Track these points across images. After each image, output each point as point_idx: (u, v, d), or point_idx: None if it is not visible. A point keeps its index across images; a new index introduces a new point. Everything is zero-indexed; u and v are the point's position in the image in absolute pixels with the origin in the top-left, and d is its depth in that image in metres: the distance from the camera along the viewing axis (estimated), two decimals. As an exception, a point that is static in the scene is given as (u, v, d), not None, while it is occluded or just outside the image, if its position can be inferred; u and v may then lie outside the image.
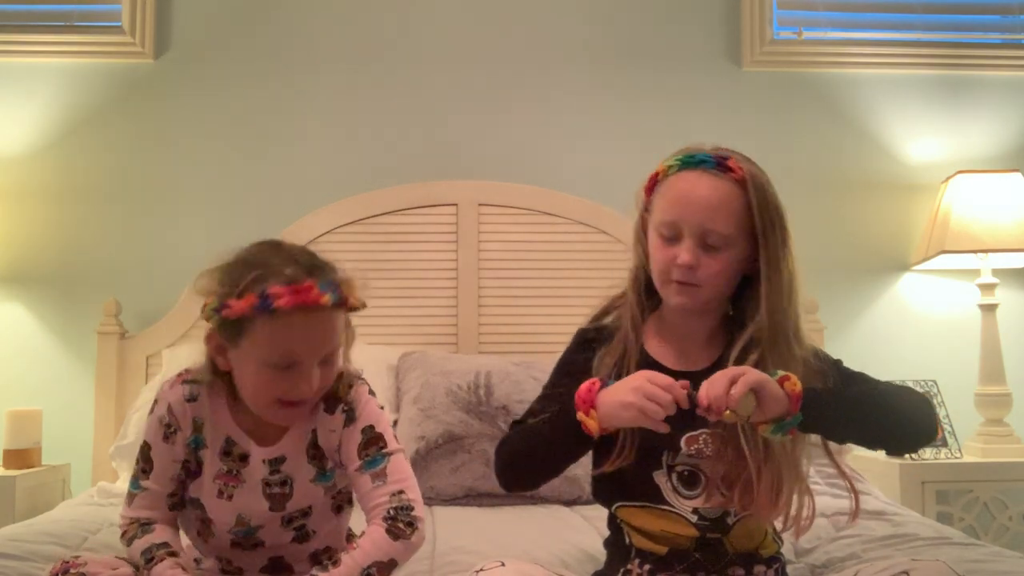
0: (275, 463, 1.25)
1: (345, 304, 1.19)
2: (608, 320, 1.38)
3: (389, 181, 2.67)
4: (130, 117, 2.70)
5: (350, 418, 1.25)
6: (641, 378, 1.15)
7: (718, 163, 1.24)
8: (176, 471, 1.26)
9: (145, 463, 1.26)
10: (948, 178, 2.64)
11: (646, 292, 1.34)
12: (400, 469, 1.23)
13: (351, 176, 2.69)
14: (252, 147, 2.71)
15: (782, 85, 2.82)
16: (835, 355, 1.38)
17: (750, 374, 1.12)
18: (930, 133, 2.83)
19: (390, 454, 1.24)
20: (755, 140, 2.75)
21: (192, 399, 1.25)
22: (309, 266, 1.17)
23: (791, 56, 2.81)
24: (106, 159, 2.68)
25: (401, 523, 1.18)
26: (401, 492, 1.21)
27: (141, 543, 1.23)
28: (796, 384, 1.14)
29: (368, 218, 2.62)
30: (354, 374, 1.29)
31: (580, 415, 1.17)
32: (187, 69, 2.72)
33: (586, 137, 2.77)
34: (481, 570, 1.12)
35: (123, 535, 1.27)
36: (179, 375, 1.28)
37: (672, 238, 1.25)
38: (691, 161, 1.25)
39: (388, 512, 1.19)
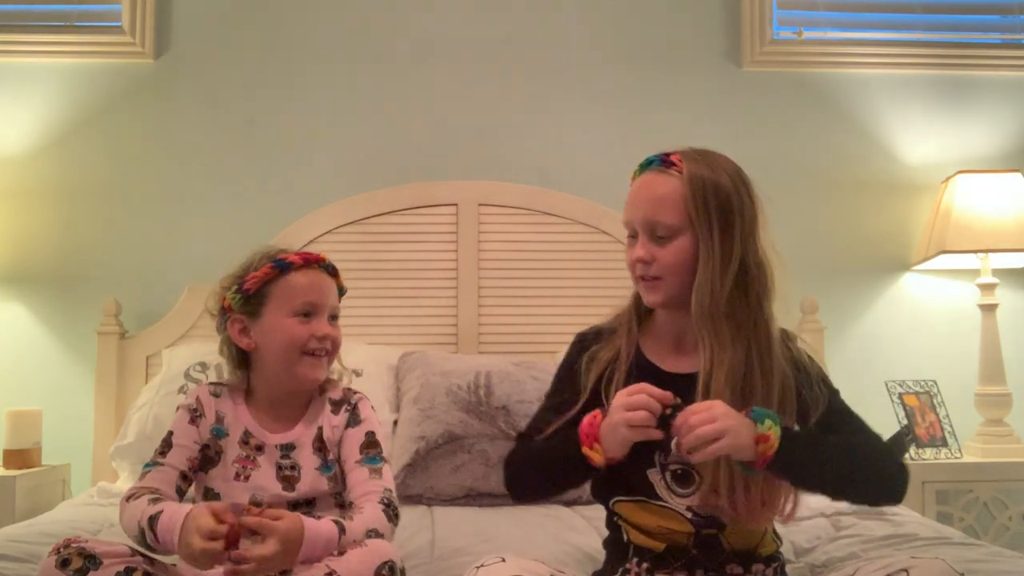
0: (286, 448, 1.44)
1: (337, 275, 1.47)
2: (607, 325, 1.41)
3: (389, 181, 2.67)
4: (130, 117, 2.70)
5: (354, 421, 1.46)
6: (618, 397, 1.18)
7: (663, 161, 1.30)
8: (195, 453, 1.43)
9: (164, 447, 1.42)
10: (948, 178, 2.64)
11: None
12: (389, 475, 1.43)
13: (351, 176, 2.69)
14: (252, 147, 2.71)
15: (782, 85, 2.82)
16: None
17: (721, 443, 1.12)
18: (930, 133, 2.83)
19: (385, 461, 1.44)
20: (755, 140, 2.78)
21: (216, 395, 1.48)
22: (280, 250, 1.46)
23: (791, 56, 2.81)
24: (106, 159, 2.68)
25: (392, 512, 1.36)
26: (391, 491, 1.39)
27: (147, 499, 1.31)
28: (770, 449, 1.14)
29: (368, 218, 2.62)
30: (356, 390, 1.51)
31: (585, 450, 1.20)
32: (187, 69, 2.72)
33: (586, 137, 2.77)
34: (482, 566, 1.14)
35: (128, 497, 1.33)
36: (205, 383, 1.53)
37: (632, 237, 1.32)
38: (644, 164, 1.33)
39: (382, 500, 1.36)
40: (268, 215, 2.64)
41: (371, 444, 1.44)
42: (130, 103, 2.70)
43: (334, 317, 1.46)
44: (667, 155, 1.30)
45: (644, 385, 1.17)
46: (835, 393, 1.32)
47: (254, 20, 2.75)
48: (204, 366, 2.29)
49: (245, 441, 1.44)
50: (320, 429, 1.45)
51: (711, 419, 1.13)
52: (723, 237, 1.25)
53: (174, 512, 1.25)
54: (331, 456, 1.44)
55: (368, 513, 1.32)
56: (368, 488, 1.38)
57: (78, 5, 2.73)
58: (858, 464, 1.22)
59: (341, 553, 1.21)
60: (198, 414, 1.45)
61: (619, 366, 1.31)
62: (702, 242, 1.25)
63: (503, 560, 1.14)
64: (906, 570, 1.10)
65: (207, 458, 1.44)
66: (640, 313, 1.37)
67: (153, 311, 2.60)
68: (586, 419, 1.21)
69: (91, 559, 1.19)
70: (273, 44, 2.74)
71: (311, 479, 1.42)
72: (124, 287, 2.62)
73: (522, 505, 1.41)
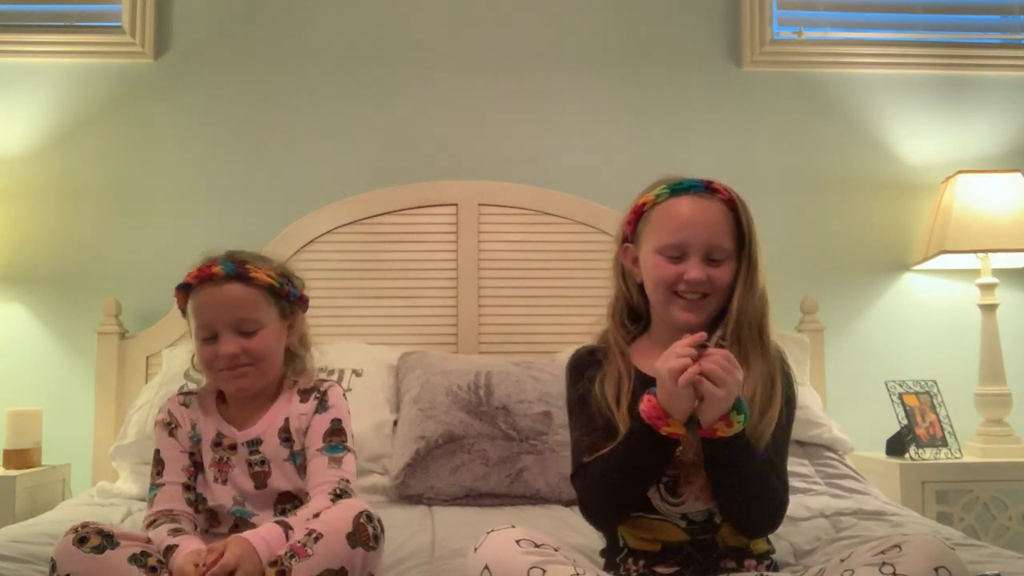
0: (253, 444, 1.46)
1: (246, 279, 1.43)
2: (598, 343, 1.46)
3: (389, 181, 2.66)
4: (130, 117, 2.70)
5: (322, 407, 1.47)
6: (659, 367, 1.22)
7: (706, 187, 1.37)
8: (186, 462, 1.47)
9: (157, 466, 1.47)
10: (948, 178, 2.64)
11: (629, 319, 1.45)
12: (351, 466, 1.43)
13: (351, 176, 2.69)
14: (252, 147, 2.71)
15: (782, 85, 2.82)
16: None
17: (713, 390, 1.18)
18: (930, 133, 2.83)
19: (349, 450, 1.44)
20: (755, 140, 2.78)
21: (185, 405, 1.52)
22: (228, 253, 1.47)
23: (791, 56, 2.81)
24: (106, 159, 2.68)
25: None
26: (348, 482, 1.39)
27: (167, 528, 1.34)
28: (720, 432, 1.21)
29: (368, 218, 2.61)
30: (327, 378, 1.55)
31: (664, 430, 1.22)
32: (187, 69, 2.72)
33: (586, 137, 2.77)
34: (492, 531, 1.18)
35: (147, 524, 1.37)
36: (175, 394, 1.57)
37: (677, 258, 1.35)
38: (679, 188, 1.37)
39: (335, 491, 1.36)
40: (268, 215, 2.64)
41: (335, 432, 1.43)
42: (130, 103, 2.70)
43: (245, 331, 1.43)
44: (707, 182, 1.37)
45: (674, 345, 1.23)
46: (785, 427, 1.36)
47: (254, 20, 2.75)
48: (204, 366, 2.29)
49: (218, 443, 1.46)
50: (287, 420, 1.46)
51: (728, 370, 1.19)
52: (759, 259, 1.35)
53: (184, 549, 1.28)
54: (298, 446, 1.45)
55: (314, 506, 1.32)
56: (323, 478, 1.38)
57: (78, 5, 2.73)
58: (758, 498, 1.29)
59: (316, 515, 1.25)
60: (173, 426, 1.48)
61: (622, 388, 1.35)
62: (747, 264, 1.34)
63: (513, 527, 1.18)
64: (899, 546, 1.12)
65: (196, 464, 1.47)
66: (629, 337, 1.42)
67: (153, 311, 2.59)
68: (643, 408, 1.23)
69: (109, 538, 1.23)
70: (273, 44, 2.74)
71: (281, 472, 1.44)
72: (124, 287, 2.62)
73: (609, 531, 1.42)
